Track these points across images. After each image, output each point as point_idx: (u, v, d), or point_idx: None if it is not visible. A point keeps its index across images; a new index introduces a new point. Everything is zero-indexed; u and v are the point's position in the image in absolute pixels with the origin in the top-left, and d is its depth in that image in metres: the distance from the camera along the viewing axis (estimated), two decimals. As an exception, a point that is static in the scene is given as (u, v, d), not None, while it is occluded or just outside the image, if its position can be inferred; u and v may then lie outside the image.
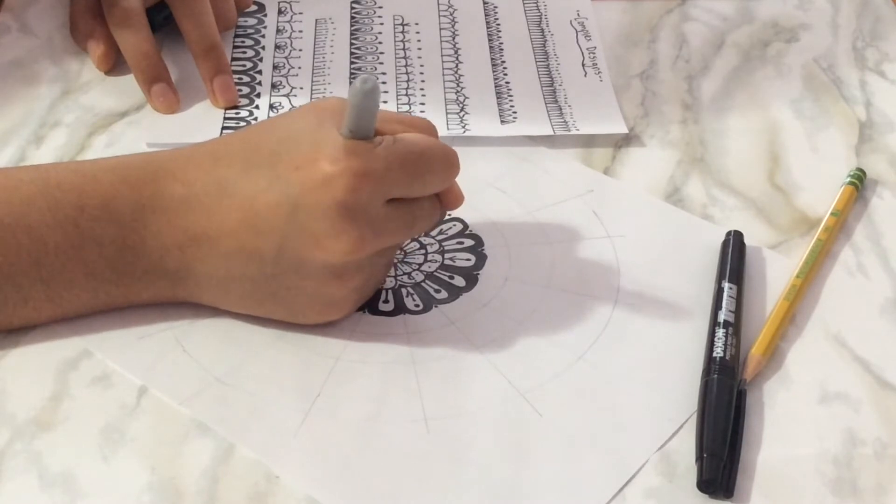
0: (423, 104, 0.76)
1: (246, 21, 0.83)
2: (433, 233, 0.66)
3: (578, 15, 0.85)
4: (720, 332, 0.59)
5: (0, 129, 0.73)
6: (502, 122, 0.75)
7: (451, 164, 0.59)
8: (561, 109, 0.76)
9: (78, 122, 0.74)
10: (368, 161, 0.55)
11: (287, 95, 0.76)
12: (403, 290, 0.63)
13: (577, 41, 0.82)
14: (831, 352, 0.60)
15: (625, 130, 0.74)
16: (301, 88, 0.77)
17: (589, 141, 0.74)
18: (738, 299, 0.62)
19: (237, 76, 0.77)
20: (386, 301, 0.62)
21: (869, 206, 0.69)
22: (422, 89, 0.77)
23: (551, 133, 0.74)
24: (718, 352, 0.58)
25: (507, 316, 0.62)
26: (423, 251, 0.65)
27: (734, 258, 0.64)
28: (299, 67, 0.79)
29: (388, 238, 0.58)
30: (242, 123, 0.74)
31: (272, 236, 0.56)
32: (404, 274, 0.64)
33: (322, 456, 0.55)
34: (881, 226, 0.68)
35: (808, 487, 0.54)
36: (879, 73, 0.80)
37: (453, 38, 0.83)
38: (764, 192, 0.70)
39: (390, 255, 0.61)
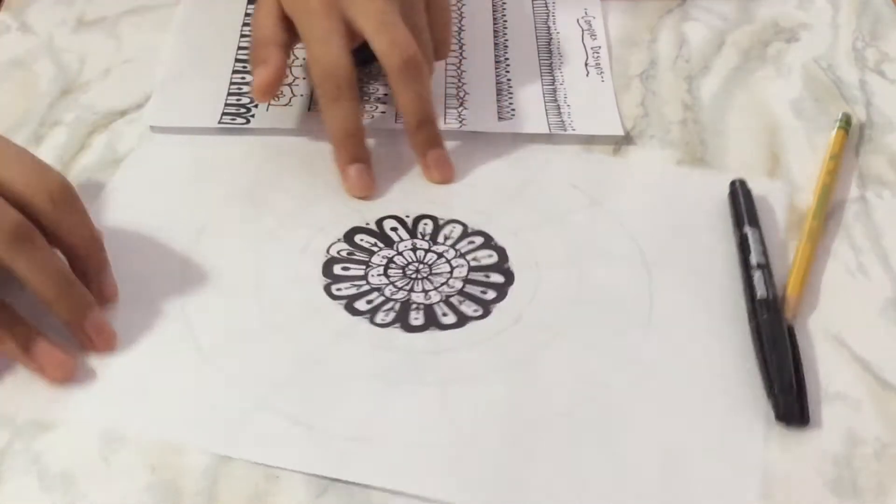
0: None
1: (252, 10, 0.83)
2: (459, 246, 0.65)
3: (586, 13, 0.85)
4: (757, 275, 0.62)
5: (0, 128, 0.73)
6: (500, 118, 0.75)
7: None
8: (559, 108, 0.76)
9: (78, 121, 0.74)
10: None
11: (290, 85, 0.77)
12: (433, 306, 0.62)
13: (583, 40, 0.83)
14: (831, 352, 0.60)
15: (621, 132, 0.74)
16: (303, 79, 0.77)
17: (589, 140, 0.74)
18: (763, 242, 0.64)
19: (244, 65, 0.77)
20: (416, 317, 0.62)
21: (869, 206, 0.69)
22: None
23: (547, 132, 0.74)
24: (762, 293, 0.61)
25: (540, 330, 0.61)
26: (448, 267, 0.65)
27: (748, 204, 0.67)
28: (303, 58, 0.79)
29: None
30: (243, 110, 0.75)
31: None
32: (434, 289, 0.63)
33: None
34: (881, 226, 0.68)
35: (808, 487, 0.54)
36: (879, 73, 0.80)
37: (459, 34, 0.83)
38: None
39: None
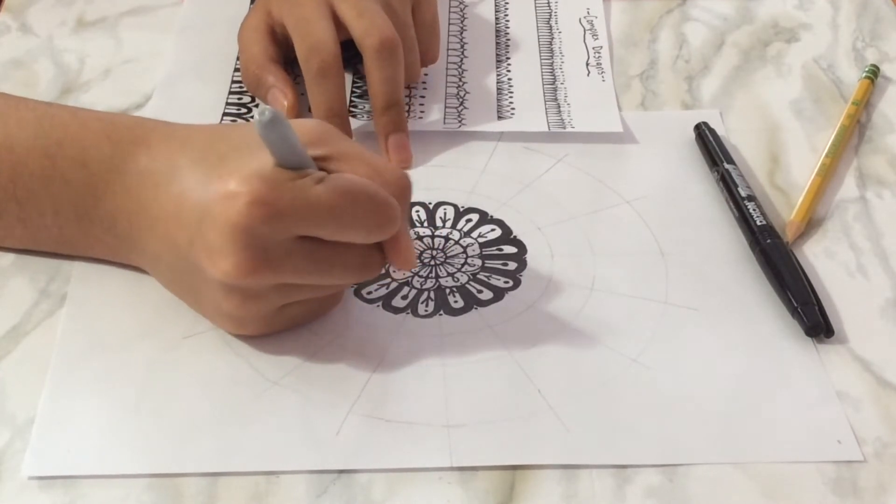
0: (423, 97, 0.76)
1: None
2: (474, 234, 0.66)
3: (588, 13, 0.85)
4: (750, 205, 0.66)
5: (0, 128, 0.73)
6: (499, 117, 0.75)
7: (383, 219, 0.56)
8: (559, 107, 0.76)
9: (78, 121, 0.74)
10: (275, 192, 0.53)
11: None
12: (466, 286, 0.63)
13: (584, 40, 0.83)
14: (831, 352, 0.60)
15: (619, 129, 0.74)
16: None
17: (588, 139, 0.74)
18: (743, 177, 0.68)
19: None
20: (456, 300, 0.62)
21: (869, 206, 0.69)
22: (423, 82, 0.78)
23: (546, 130, 0.74)
24: (759, 220, 0.65)
25: (550, 318, 0.62)
26: (464, 254, 0.65)
27: (719, 144, 0.71)
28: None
29: (291, 274, 0.55)
30: (244, 110, 0.75)
31: (186, 233, 0.56)
32: (449, 275, 0.64)
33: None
34: (881, 226, 0.68)
35: (809, 487, 0.54)
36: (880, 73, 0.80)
37: (461, 34, 0.83)
38: (764, 193, 0.70)
39: (317, 291, 0.58)
